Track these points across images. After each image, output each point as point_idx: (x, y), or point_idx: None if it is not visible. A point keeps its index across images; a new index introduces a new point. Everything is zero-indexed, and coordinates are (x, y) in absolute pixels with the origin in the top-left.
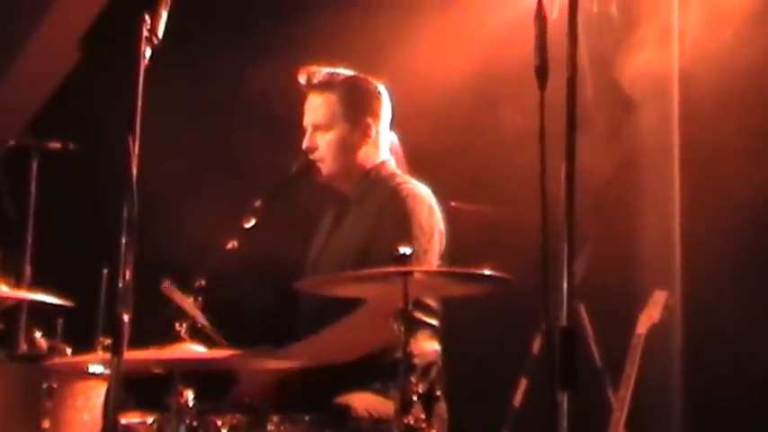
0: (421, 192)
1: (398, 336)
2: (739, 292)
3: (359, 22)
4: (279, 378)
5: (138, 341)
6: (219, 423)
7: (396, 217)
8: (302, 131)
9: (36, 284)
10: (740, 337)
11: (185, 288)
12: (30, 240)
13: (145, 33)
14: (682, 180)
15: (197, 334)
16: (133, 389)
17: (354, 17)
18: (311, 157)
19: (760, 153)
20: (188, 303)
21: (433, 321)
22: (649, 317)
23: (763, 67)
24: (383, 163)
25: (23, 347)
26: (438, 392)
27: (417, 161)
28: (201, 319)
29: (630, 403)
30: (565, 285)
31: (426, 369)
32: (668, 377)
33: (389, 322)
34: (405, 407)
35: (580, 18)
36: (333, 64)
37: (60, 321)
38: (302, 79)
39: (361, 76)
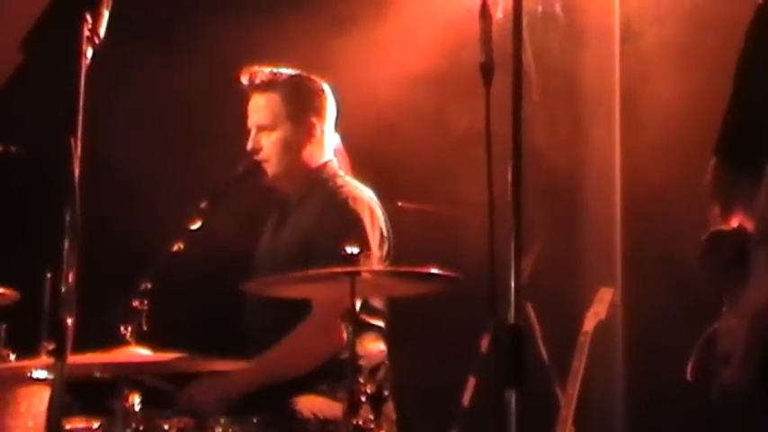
0: (362, 194)
1: (346, 338)
2: (676, 288)
3: (302, 21)
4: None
5: (83, 345)
6: (167, 427)
7: (336, 218)
8: (246, 132)
9: None
10: (678, 331)
11: (131, 291)
12: None
13: (86, 33)
14: (623, 182)
15: (142, 337)
16: (78, 394)
17: (298, 16)
18: (256, 158)
19: (697, 156)
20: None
21: (379, 323)
22: (595, 314)
23: (701, 65)
24: (326, 163)
25: None
26: (386, 393)
27: (362, 161)
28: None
29: (576, 399)
30: (512, 284)
31: (374, 370)
32: (611, 372)
33: (337, 327)
34: (353, 408)
35: (525, 17)
36: (275, 63)
37: (3, 326)
38: (245, 80)
39: (305, 74)
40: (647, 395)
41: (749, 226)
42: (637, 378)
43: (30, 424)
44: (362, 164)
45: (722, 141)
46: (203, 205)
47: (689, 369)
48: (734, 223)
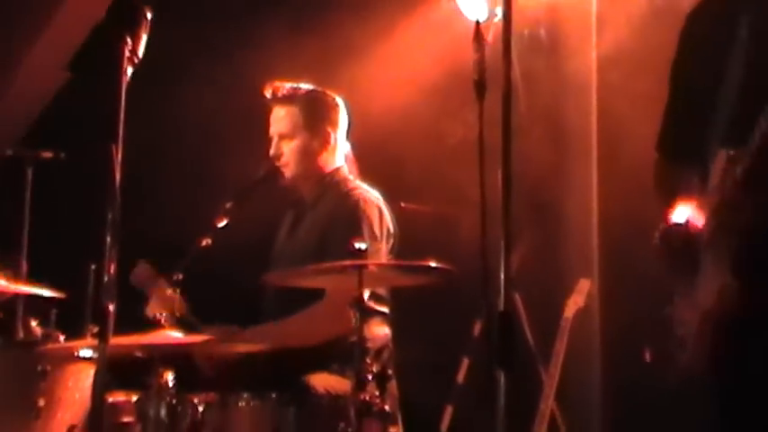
0: (371, 196)
1: (354, 323)
2: (645, 279)
3: (318, 43)
4: (248, 362)
5: (123, 328)
6: (196, 401)
7: (348, 218)
8: (268, 140)
9: (32, 279)
10: (648, 318)
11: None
12: (26, 240)
13: (126, 54)
14: (599, 187)
15: (175, 321)
16: (118, 371)
17: (314, 39)
18: (277, 163)
19: None
20: (162, 285)
21: (384, 309)
22: (575, 302)
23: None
24: (338, 168)
25: (21, 335)
26: (390, 372)
27: (370, 166)
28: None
29: (558, 378)
30: (502, 276)
31: (379, 351)
32: (589, 354)
33: (347, 313)
34: (360, 385)
35: (513, 40)
36: (294, 80)
37: (54, 311)
38: (268, 94)
39: (320, 89)
40: (620, 374)
41: (694, 217)
42: (611, 359)
43: (77, 396)
44: (370, 168)
45: (661, 138)
46: (229, 205)
47: (647, 353)
48: (679, 214)
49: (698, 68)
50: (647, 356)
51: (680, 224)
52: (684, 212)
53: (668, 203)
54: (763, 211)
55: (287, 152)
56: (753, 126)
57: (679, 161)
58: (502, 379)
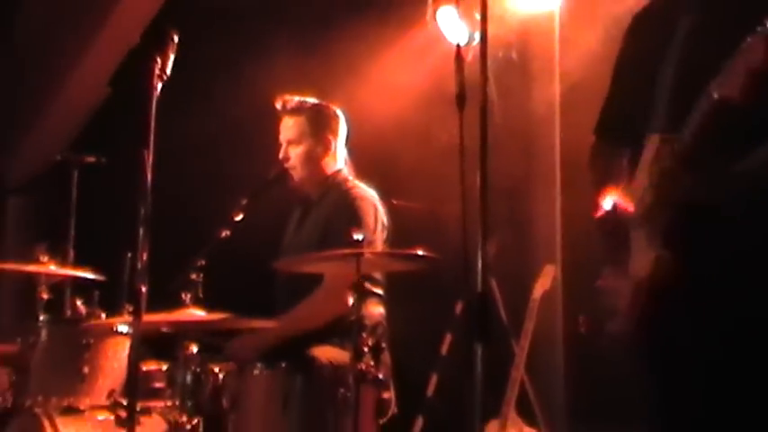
0: (367, 194)
1: (352, 303)
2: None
3: (322, 62)
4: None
5: (154, 307)
6: (217, 369)
7: (347, 213)
8: (278, 146)
9: (77, 265)
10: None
11: (190, 266)
12: (72, 232)
13: (156, 71)
14: (562, 183)
15: (198, 301)
16: (150, 344)
17: (318, 58)
18: (285, 166)
19: None
20: None
21: (379, 291)
22: (542, 286)
23: None
24: (339, 171)
25: (68, 312)
26: (383, 345)
27: (366, 168)
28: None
29: (527, 350)
30: (480, 263)
31: (374, 327)
32: (554, 330)
33: (346, 294)
34: (358, 356)
35: (489, 60)
36: (302, 93)
37: (96, 293)
38: (278, 105)
39: (323, 102)
40: (580, 347)
41: (621, 202)
42: (572, 334)
43: (115, 366)
44: (366, 170)
45: (599, 123)
46: (244, 202)
47: (581, 323)
48: (609, 200)
49: (638, 63)
50: (582, 325)
51: (609, 211)
52: (612, 199)
53: (598, 184)
54: (697, 187)
55: (294, 157)
56: (684, 117)
57: (612, 143)
58: (479, 351)
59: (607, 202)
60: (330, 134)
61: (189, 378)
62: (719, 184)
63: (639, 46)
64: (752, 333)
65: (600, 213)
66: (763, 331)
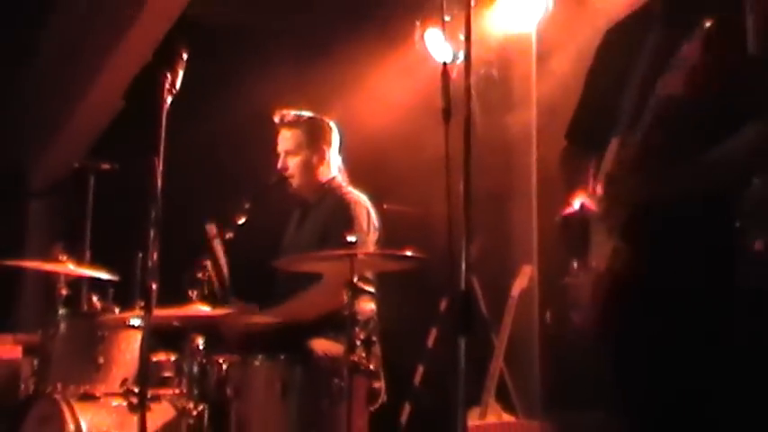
0: (360, 199)
1: (346, 300)
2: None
3: (317, 77)
4: (260, 331)
5: (163, 303)
6: (221, 360)
7: (342, 216)
8: (277, 155)
9: (93, 264)
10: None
11: (196, 266)
12: (89, 234)
13: (167, 86)
14: (538, 191)
15: (204, 298)
16: (160, 336)
17: (314, 74)
18: (284, 174)
19: None
20: (219, 250)
21: (371, 288)
22: (519, 284)
23: None
24: (333, 178)
25: (85, 307)
26: (374, 338)
27: (359, 176)
28: (224, 268)
29: (506, 343)
30: (463, 263)
31: (366, 322)
32: (530, 325)
33: (341, 291)
34: (351, 349)
35: (472, 77)
36: (298, 107)
37: (110, 289)
38: (276, 119)
39: (318, 116)
40: (554, 340)
41: (588, 202)
42: (547, 328)
43: (128, 356)
44: (359, 177)
45: (570, 128)
46: (247, 206)
47: (547, 316)
48: (576, 201)
49: (608, 75)
50: (548, 318)
51: (576, 210)
52: (580, 199)
53: (567, 185)
54: (641, 187)
55: (292, 166)
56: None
57: (581, 147)
58: (462, 344)
59: (576, 202)
60: (325, 145)
61: (195, 368)
62: (662, 185)
63: (609, 60)
64: (693, 316)
65: (567, 211)
66: (702, 313)
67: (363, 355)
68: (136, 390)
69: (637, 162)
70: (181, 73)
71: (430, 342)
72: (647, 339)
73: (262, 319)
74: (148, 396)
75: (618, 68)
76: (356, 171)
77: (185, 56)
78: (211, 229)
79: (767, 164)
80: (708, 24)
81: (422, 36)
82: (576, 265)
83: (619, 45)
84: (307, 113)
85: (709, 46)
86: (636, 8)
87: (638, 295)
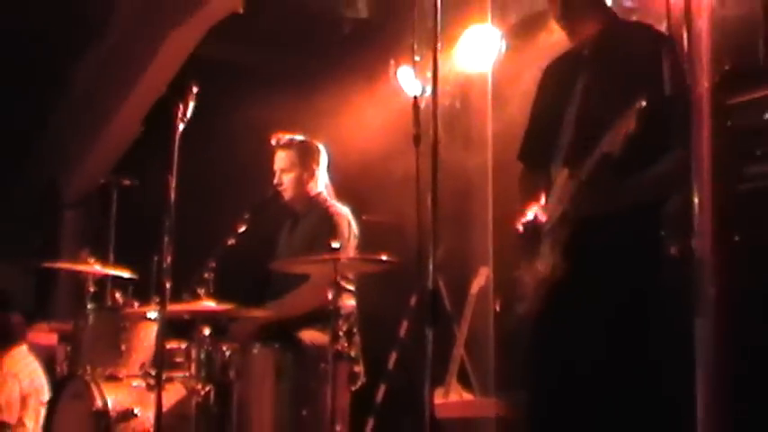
0: (343, 211)
1: (331, 297)
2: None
3: (308, 105)
4: (258, 324)
5: (175, 298)
6: (225, 348)
7: (327, 226)
8: (272, 173)
9: (116, 265)
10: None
11: (203, 267)
12: (112, 239)
13: (179, 115)
14: (494, 202)
15: (210, 295)
16: (173, 327)
17: (305, 102)
18: (279, 188)
19: None
20: None
21: (352, 287)
22: (478, 283)
23: None
24: (320, 193)
25: (109, 302)
26: (355, 330)
27: (343, 191)
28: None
29: (466, 334)
30: (430, 266)
31: (348, 316)
32: (486, 318)
33: (326, 290)
34: (335, 338)
35: (438, 108)
36: (291, 131)
37: (130, 287)
38: (273, 141)
39: (309, 139)
40: (507, 331)
41: (540, 214)
42: (501, 321)
43: (145, 344)
44: (342, 192)
45: (521, 152)
46: (246, 216)
47: (497, 305)
48: (531, 212)
49: (547, 107)
50: (497, 307)
51: (530, 219)
52: (533, 211)
53: (525, 200)
54: (587, 212)
55: (286, 181)
56: (583, 150)
57: (532, 170)
58: (429, 334)
59: (529, 213)
60: (314, 164)
61: (203, 354)
62: (603, 203)
63: (549, 95)
64: (618, 312)
65: (523, 221)
66: (625, 310)
67: (345, 343)
68: (152, 372)
69: (581, 192)
70: (191, 103)
71: (402, 332)
72: (571, 329)
73: (262, 313)
74: (163, 378)
75: (555, 103)
76: (340, 186)
77: (195, 89)
78: None
79: (681, 185)
80: (642, 104)
81: (396, 73)
82: (524, 265)
83: (555, 83)
84: (299, 137)
85: (640, 120)
86: (569, 49)
87: (571, 294)
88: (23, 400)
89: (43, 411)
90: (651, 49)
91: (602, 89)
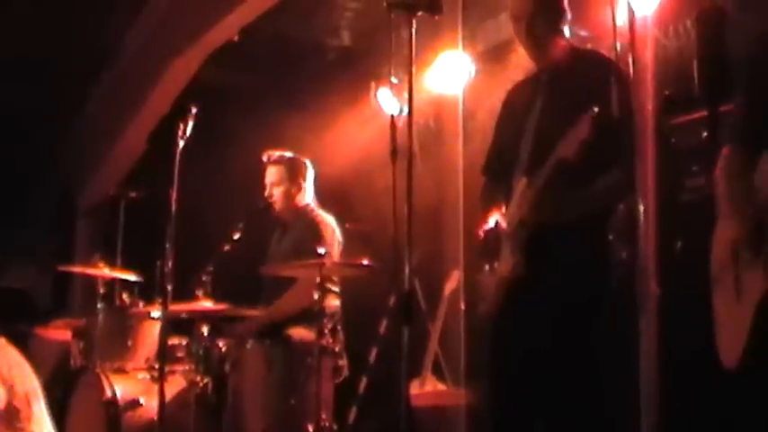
0: (328, 219)
1: (317, 298)
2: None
3: (297, 124)
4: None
5: (177, 299)
6: (221, 344)
7: (313, 233)
8: (264, 186)
9: (124, 269)
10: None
11: (202, 271)
12: (120, 246)
13: (180, 133)
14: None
15: (208, 296)
16: (174, 325)
17: (295, 121)
18: (270, 200)
19: None
20: None
21: (336, 288)
22: (450, 286)
23: None
24: (308, 204)
25: (117, 302)
26: (339, 327)
27: (328, 201)
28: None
29: (440, 331)
30: (407, 269)
31: (332, 315)
32: (457, 317)
33: (313, 291)
34: (321, 335)
35: (413, 126)
36: (281, 148)
37: (136, 289)
38: (264, 158)
39: (297, 155)
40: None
41: (500, 221)
42: (470, 319)
43: (150, 340)
44: (327, 202)
45: (485, 165)
46: (240, 225)
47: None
48: (492, 220)
49: (509, 125)
50: (462, 306)
51: (492, 227)
52: (494, 219)
53: (486, 210)
54: (544, 218)
55: (276, 194)
56: (540, 161)
57: (494, 182)
58: (406, 331)
59: (491, 221)
60: (301, 178)
61: (201, 350)
62: (557, 209)
63: (510, 114)
64: (569, 309)
65: (484, 228)
66: (576, 307)
67: (330, 340)
68: (156, 366)
69: (538, 198)
70: (191, 124)
71: (382, 329)
72: (525, 326)
73: (259, 315)
74: (166, 370)
75: (516, 121)
76: (325, 197)
77: (194, 110)
78: None
79: (628, 195)
80: (595, 110)
81: (375, 95)
82: (487, 267)
83: (517, 103)
84: (288, 154)
85: (593, 128)
86: (529, 74)
87: (526, 293)
88: (10, 389)
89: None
90: (601, 73)
91: (557, 107)
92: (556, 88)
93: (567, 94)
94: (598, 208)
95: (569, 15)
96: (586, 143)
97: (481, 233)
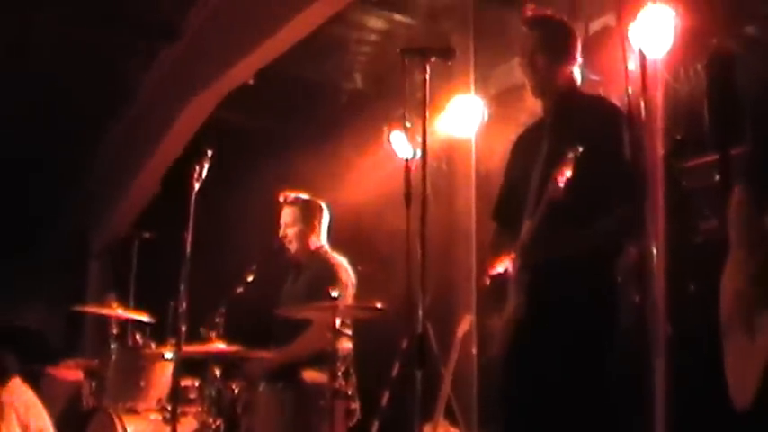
0: (341, 261)
1: (330, 340)
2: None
3: (311, 168)
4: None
5: (190, 340)
6: (234, 386)
7: (326, 275)
8: (278, 227)
9: (136, 309)
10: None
11: (215, 313)
12: (132, 286)
13: (195, 176)
14: (477, 257)
15: (221, 337)
16: (187, 366)
17: (309, 165)
18: (284, 242)
19: None
20: None
21: (349, 331)
22: (462, 329)
23: None
24: (321, 246)
25: (130, 343)
26: (351, 370)
27: (341, 244)
28: None
29: (452, 375)
30: (420, 312)
31: (345, 357)
32: (470, 360)
33: (326, 334)
34: (333, 377)
35: (426, 170)
36: (297, 191)
37: (149, 329)
38: (280, 199)
39: (312, 198)
40: (488, 371)
41: (508, 267)
42: (483, 363)
43: (162, 381)
44: (341, 244)
45: (493, 211)
46: (254, 266)
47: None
48: (500, 266)
49: (518, 170)
50: (474, 349)
51: (500, 272)
52: (503, 264)
53: (495, 255)
54: (541, 256)
55: (290, 235)
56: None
57: (503, 227)
58: (419, 374)
59: (500, 266)
60: (315, 221)
61: (214, 391)
62: (550, 248)
63: (518, 159)
64: (576, 349)
65: (493, 273)
66: (583, 346)
67: (343, 382)
68: (168, 407)
69: (533, 238)
70: (206, 166)
71: (394, 373)
72: (533, 367)
73: (271, 356)
74: (178, 412)
75: (524, 165)
76: (339, 239)
77: (209, 153)
78: None
79: (633, 236)
80: (579, 149)
81: (389, 138)
82: (496, 313)
83: (524, 149)
84: (303, 196)
85: (575, 169)
86: (537, 119)
87: (532, 334)
88: (25, 428)
89: None
90: (601, 117)
91: (560, 151)
92: (558, 132)
93: (567, 139)
94: (597, 247)
95: (579, 58)
96: (570, 182)
97: (488, 279)
